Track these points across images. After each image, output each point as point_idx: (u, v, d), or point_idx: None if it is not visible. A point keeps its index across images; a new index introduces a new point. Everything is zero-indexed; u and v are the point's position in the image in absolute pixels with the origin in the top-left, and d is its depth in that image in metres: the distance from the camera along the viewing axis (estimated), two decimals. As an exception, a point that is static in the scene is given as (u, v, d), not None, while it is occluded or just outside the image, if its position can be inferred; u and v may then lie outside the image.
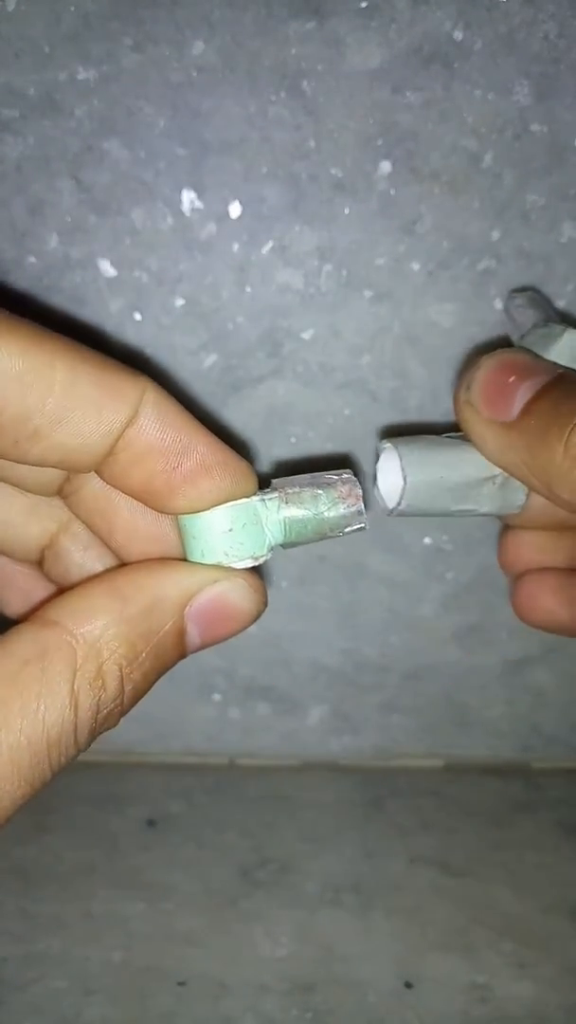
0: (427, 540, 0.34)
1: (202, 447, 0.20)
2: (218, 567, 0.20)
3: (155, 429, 0.19)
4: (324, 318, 0.29)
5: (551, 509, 0.23)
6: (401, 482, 0.22)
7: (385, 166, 0.26)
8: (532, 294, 0.27)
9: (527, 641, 0.36)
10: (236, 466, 0.20)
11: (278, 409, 0.31)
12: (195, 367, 0.30)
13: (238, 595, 0.20)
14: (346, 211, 0.27)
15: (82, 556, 0.23)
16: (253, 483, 0.20)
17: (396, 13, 0.24)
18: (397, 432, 0.24)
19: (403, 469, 0.22)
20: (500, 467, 0.22)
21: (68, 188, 0.26)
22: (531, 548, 0.26)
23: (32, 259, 0.28)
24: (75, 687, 0.17)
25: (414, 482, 0.22)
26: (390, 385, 0.30)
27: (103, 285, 0.28)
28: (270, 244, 0.27)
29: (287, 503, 0.21)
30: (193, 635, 0.20)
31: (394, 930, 0.33)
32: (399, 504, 0.22)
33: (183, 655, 0.20)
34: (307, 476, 0.21)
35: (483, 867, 0.36)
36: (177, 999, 0.30)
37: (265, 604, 0.21)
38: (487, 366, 0.22)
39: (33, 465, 0.19)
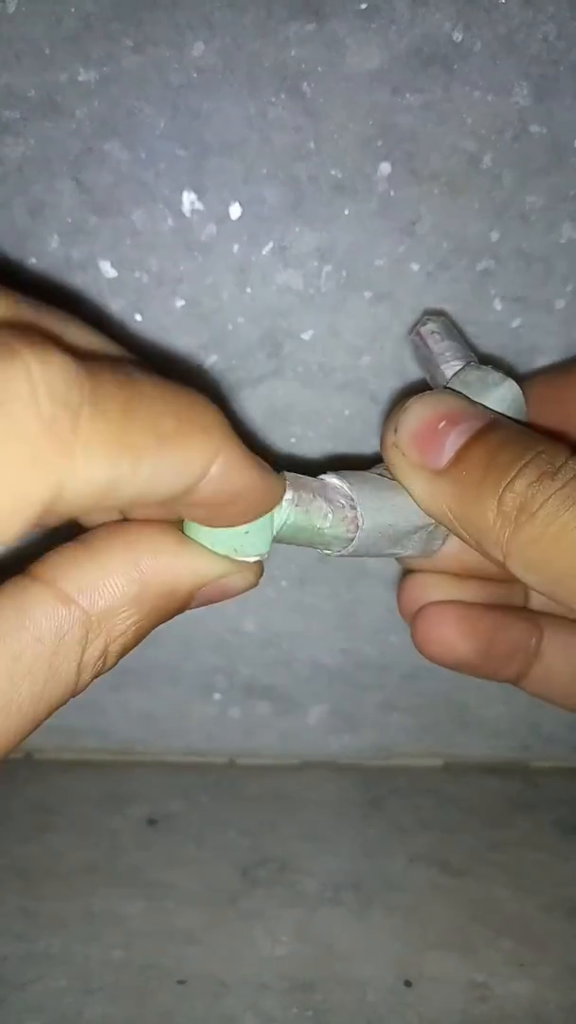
0: (427, 540, 0.34)
1: (258, 491, 0.19)
2: (231, 560, 0.20)
3: (219, 484, 0.18)
4: (324, 319, 0.29)
5: (463, 556, 0.23)
6: (358, 526, 0.21)
7: (385, 167, 0.26)
8: (447, 321, 0.25)
9: (526, 641, 0.37)
10: (275, 496, 0.20)
11: (278, 409, 0.31)
12: (196, 367, 0.30)
13: (242, 581, 0.21)
14: (346, 212, 0.27)
15: None
16: (281, 499, 0.20)
17: (396, 14, 0.25)
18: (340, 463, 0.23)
19: (359, 516, 0.21)
20: (427, 514, 0.21)
21: (69, 189, 0.27)
22: (434, 590, 0.26)
23: (33, 260, 0.28)
24: (81, 665, 0.18)
25: (367, 528, 0.21)
26: (390, 385, 0.30)
27: (104, 286, 0.28)
28: (270, 245, 0.28)
29: (297, 506, 0.21)
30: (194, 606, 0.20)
31: (394, 929, 0.33)
32: (345, 549, 0.22)
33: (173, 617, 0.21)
34: (317, 483, 0.21)
35: (482, 866, 0.36)
36: (177, 997, 0.30)
37: (258, 582, 0.21)
38: (416, 408, 0.21)
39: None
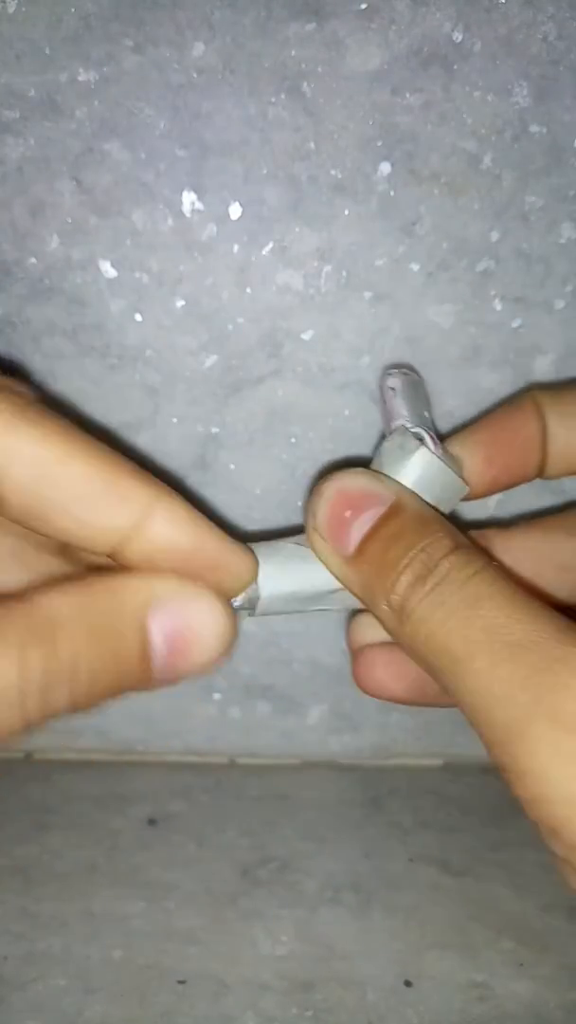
0: (427, 540, 0.34)
1: (210, 550, 0.21)
2: (179, 579, 0.21)
3: (165, 533, 0.20)
4: (324, 319, 0.29)
5: None
6: (257, 594, 0.23)
7: (385, 167, 0.26)
8: (407, 378, 0.26)
9: (526, 641, 0.36)
10: (239, 567, 0.22)
11: (278, 410, 0.31)
12: (196, 368, 0.30)
13: (206, 612, 0.21)
14: (346, 212, 0.27)
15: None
16: (252, 577, 0.23)
17: (396, 15, 0.25)
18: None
19: (259, 583, 0.23)
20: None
21: (69, 189, 0.27)
22: (375, 630, 0.27)
23: (33, 260, 0.28)
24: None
25: (268, 596, 0.23)
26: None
27: (104, 286, 0.28)
28: (270, 245, 0.28)
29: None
30: (159, 645, 0.20)
31: (394, 928, 0.33)
32: (252, 613, 0.23)
33: (148, 673, 0.20)
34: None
35: (482, 866, 0.36)
36: (178, 997, 0.30)
37: (235, 634, 0.21)
38: (327, 495, 0.23)
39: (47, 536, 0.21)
